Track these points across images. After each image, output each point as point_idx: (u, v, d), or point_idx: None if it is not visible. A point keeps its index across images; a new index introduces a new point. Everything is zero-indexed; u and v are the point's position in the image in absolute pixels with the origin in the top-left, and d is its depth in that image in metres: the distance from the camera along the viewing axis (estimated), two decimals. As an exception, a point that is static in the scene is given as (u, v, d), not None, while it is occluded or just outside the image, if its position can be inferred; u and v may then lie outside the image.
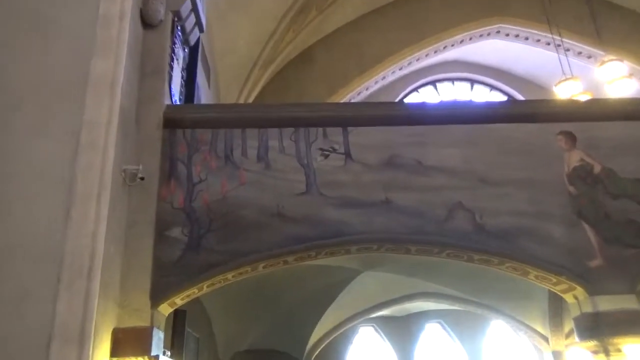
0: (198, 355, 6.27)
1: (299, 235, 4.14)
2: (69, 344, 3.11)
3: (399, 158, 4.45)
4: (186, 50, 5.36)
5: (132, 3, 4.09)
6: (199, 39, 5.51)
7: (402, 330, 10.48)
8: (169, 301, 4.01)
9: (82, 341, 3.13)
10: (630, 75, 7.65)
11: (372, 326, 10.68)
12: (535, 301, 7.73)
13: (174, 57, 4.74)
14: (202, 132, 4.49)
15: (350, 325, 9.18)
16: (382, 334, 10.68)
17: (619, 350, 3.95)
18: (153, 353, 3.64)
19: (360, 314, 8.99)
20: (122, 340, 3.55)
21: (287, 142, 4.51)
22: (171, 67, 4.61)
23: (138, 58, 4.33)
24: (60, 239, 3.32)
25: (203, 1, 5.30)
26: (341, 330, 9.08)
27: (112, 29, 3.92)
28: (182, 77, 5.17)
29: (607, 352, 3.99)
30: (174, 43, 4.74)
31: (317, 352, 8.88)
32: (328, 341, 8.98)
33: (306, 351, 8.61)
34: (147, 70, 4.38)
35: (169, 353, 4.42)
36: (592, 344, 4.08)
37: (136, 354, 3.56)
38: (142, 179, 3.99)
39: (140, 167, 3.99)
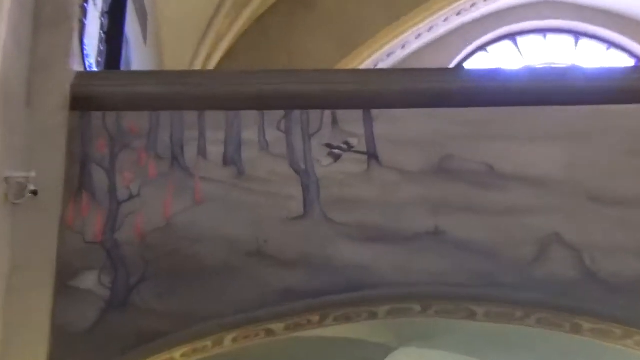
0: None
1: (291, 287, 4.14)
2: None
3: (457, 161, 4.44)
4: (108, -14, 5.46)
5: None
6: (128, -33, 5.67)
7: None
8: (78, 397, 4.01)
9: None
10: None
11: None
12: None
13: (89, -5, 4.80)
14: (135, 117, 4.49)
15: None
16: None
17: None
18: None
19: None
20: None
21: (274, 134, 4.50)
22: (84, 12, 4.62)
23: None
24: None
25: None
26: None
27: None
28: (102, 29, 5.19)
29: None
30: (87, -26, 4.80)
31: None
32: None
33: None
34: (44, 18, 4.38)
35: None
36: None
37: None
38: (34, 193, 3.98)
39: (33, 174, 3.98)
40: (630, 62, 10.96)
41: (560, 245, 4.23)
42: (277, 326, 4.22)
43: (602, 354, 5.80)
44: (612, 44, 11.31)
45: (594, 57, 11.16)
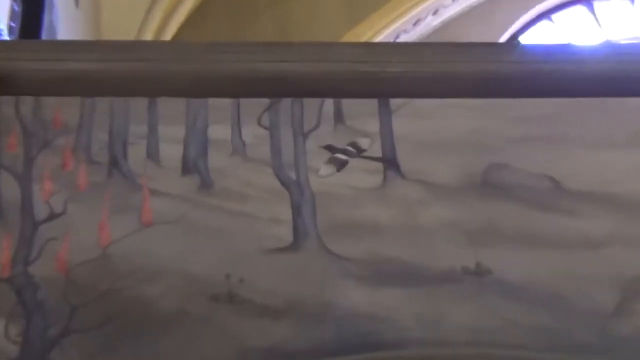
0: None
1: (276, 344, 4.10)
2: None
3: (508, 172, 4.40)
4: None
5: None
6: None
7: None
8: None
9: None
10: None
11: None
12: None
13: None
14: (60, 104, 4.52)
15: None
16: None
17: None
18: None
19: None
20: None
21: (253, 132, 4.50)
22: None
23: None
24: None
25: None
26: None
27: None
28: (17, -17, 5.30)
29: None
30: None
31: None
32: None
33: None
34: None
35: None
36: None
37: None
38: None
39: None
40: None
41: (651, 293, 4.25)
42: (255, 401, 4.20)
43: None
44: None
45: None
